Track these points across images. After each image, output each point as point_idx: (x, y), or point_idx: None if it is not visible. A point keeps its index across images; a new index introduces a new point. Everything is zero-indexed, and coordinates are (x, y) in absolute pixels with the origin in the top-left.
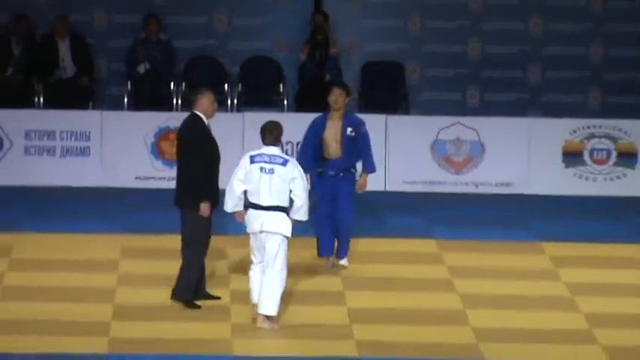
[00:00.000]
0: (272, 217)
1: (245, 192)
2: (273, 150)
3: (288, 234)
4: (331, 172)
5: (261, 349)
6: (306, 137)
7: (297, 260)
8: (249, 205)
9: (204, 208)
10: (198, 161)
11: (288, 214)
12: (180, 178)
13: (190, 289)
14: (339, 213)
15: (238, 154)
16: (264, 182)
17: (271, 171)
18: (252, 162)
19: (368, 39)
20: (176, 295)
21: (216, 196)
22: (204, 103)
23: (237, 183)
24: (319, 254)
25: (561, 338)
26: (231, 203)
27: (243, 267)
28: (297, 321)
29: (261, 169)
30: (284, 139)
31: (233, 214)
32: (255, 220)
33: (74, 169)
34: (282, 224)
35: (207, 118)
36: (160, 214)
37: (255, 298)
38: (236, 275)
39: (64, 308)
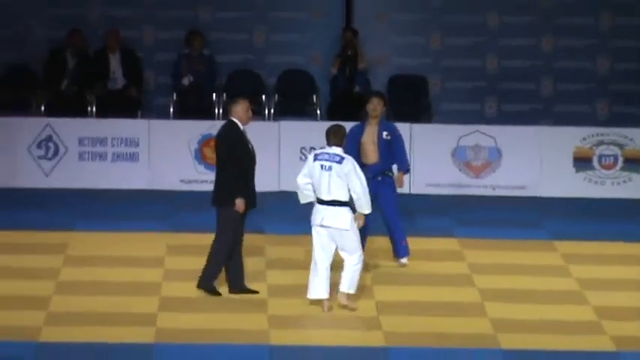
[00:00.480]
0: (332, 212)
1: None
2: (335, 150)
3: (347, 227)
4: (370, 175)
5: (296, 339)
6: (346, 145)
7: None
8: (316, 199)
9: (239, 203)
10: (233, 164)
11: (350, 208)
12: (217, 179)
13: (212, 279)
14: (389, 217)
15: (275, 159)
16: (324, 179)
17: (330, 168)
18: (315, 159)
19: (394, 54)
20: (200, 284)
21: (251, 196)
22: (239, 111)
23: (302, 177)
24: None
25: (572, 329)
26: (301, 196)
27: (279, 263)
28: (329, 312)
29: (322, 166)
30: (317, 145)
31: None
32: (318, 213)
33: (124, 173)
34: (340, 219)
35: (243, 124)
36: (203, 214)
37: (312, 293)
38: (273, 271)
39: (114, 301)
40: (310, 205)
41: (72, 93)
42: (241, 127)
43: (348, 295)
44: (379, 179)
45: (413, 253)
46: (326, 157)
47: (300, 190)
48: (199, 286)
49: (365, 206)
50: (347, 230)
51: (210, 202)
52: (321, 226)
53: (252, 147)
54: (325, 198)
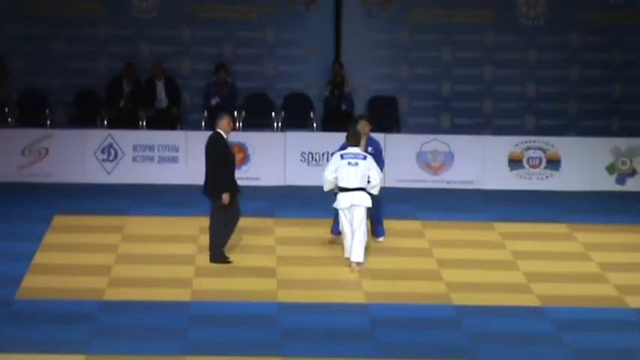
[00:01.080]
0: (359, 195)
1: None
2: (356, 149)
3: (369, 204)
4: None
5: (298, 297)
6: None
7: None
8: (340, 189)
9: (225, 197)
10: (219, 164)
11: (367, 192)
12: (207, 175)
13: (218, 251)
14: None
15: (281, 161)
16: (352, 172)
17: (356, 164)
18: (342, 158)
19: (373, 80)
20: (211, 259)
21: (234, 186)
22: (223, 124)
23: (329, 172)
24: (332, 232)
25: (507, 289)
26: (326, 186)
27: (286, 240)
28: (320, 278)
29: (349, 163)
30: (314, 150)
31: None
32: (346, 198)
33: (167, 172)
34: (365, 199)
35: (226, 134)
36: None
37: (346, 254)
38: (280, 246)
39: (160, 269)
40: (310, 196)
41: (128, 111)
42: (225, 136)
43: (358, 263)
44: None
45: (385, 232)
46: (351, 156)
47: (328, 181)
48: (211, 260)
49: (376, 190)
50: (366, 208)
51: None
52: (352, 205)
53: (233, 151)
54: (352, 186)
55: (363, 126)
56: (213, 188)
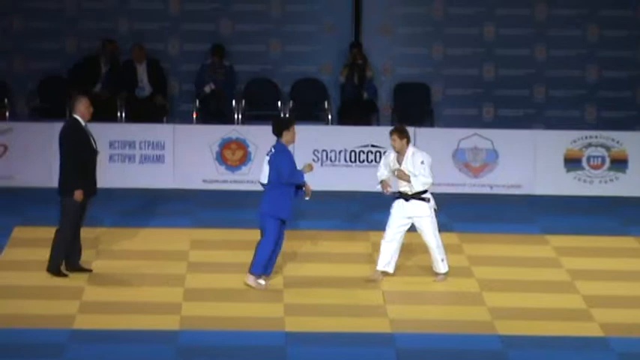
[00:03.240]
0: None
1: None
2: None
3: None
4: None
5: (311, 326)
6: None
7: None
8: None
9: (78, 194)
10: (74, 156)
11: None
12: (60, 171)
13: (59, 262)
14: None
15: None
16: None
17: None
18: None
19: (399, 64)
20: (48, 268)
21: (91, 186)
22: (81, 109)
23: (382, 170)
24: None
25: (563, 316)
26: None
27: (295, 258)
28: (337, 302)
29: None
30: (329, 147)
31: (381, 183)
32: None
33: (151, 173)
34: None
35: (85, 120)
36: (224, 212)
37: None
38: (289, 265)
39: (142, 291)
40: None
41: (105, 97)
42: (83, 123)
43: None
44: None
45: (417, 247)
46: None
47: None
48: (49, 270)
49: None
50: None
51: (235, 201)
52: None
53: (95, 141)
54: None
55: (392, 141)
56: (67, 186)
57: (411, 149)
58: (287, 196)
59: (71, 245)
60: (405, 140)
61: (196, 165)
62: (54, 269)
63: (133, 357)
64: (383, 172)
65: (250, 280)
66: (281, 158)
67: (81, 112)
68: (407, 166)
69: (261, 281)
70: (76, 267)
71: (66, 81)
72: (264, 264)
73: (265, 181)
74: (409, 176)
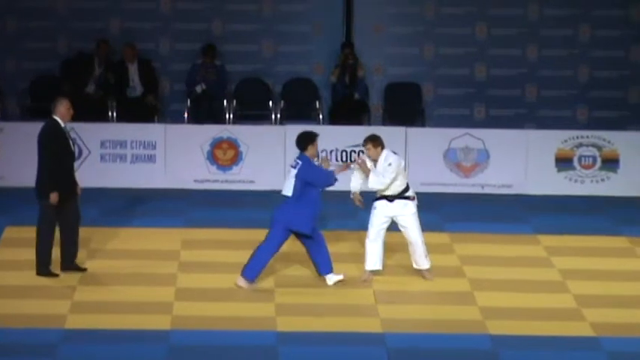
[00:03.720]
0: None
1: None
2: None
3: None
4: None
5: (302, 325)
6: None
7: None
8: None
9: (53, 196)
10: (51, 158)
11: None
12: (37, 173)
13: (46, 263)
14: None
15: (281, 160)
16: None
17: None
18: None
19: (390, 63)
20: (38, 271)
21: (69, 187)
22: (61, 110)
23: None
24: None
25: (554, 316)
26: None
27: (286, 257)
28: (329, 302)
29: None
30: (320, 146)
31: (353, 196)
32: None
33: (142, 173)
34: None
35: (64, 121)
36: (215, 211)
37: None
38: (279, 263)
39: (134, 291)
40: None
41: (97, 98)
42: (62, 124)
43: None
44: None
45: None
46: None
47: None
48: (38, 273)
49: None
50: None
51: (225, 201)
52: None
53: (73, 143)
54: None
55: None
56: (41, 187)
57: (384, 153)
58: (310, 210)
59: (65, 246)
60: (379, 148)
61: (187, 165)
62: (42, 271)
63: (125, 356)
64: (356, 183)
65: (241, 281)
66: (311, 169)
67: (61, 114)
68: (379, 168)
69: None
70: (71, 267)
71: (58, 80)
72: (259, 270)
73: (289, 194)
74: (369, 170)
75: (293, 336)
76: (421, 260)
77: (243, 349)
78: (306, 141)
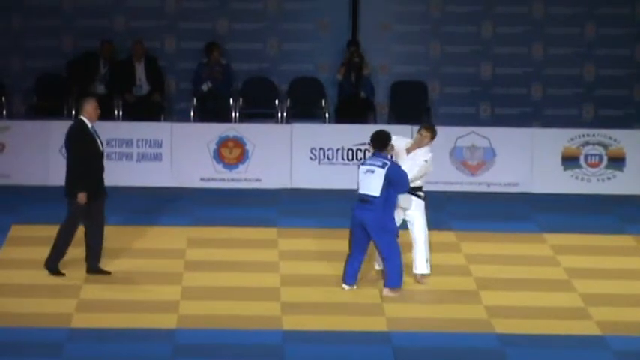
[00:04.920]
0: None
1: None
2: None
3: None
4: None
5: (308, 324)
6: None
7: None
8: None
9: (81, 196)
10: (79, 159)
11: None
12: (66, 173)
13: (57, 261)
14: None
15: (287, 159)
16: None
17: None
18: None
19: (396, 62)
20: (46, 265)
21: (98, 188)
22: (88, 110)
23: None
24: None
25: (560, 315)
26: None
27: (292, 256)
28: (335, 300)
29: None
30: (326, 145)
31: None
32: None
33: (148, 172)
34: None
35: (92, 122)
36: (221, 210)
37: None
38: (285, 262)
39: (140, 289)
40: (321, 202)
41: (103, 97)
42: (89, 124)
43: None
44: None
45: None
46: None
47: None
48: (46, 266)
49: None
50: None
51: (232, 200)
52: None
53: (101, 142)
54: None
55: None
56: (69, 187)
57: (428, 148)
58: (393, 209)
59: (90, 248)
60: (431, 141)
61: (194, 163)
62: (51, 267)
63: (131, 355)
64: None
65: (390, 292)
66: (399, 170)
67: (88, 113)
68: (415, 155)
69: (346, 286)
70: (96, 270)
71: (64, 78)
72: (399, 274)
73: (372, 193)
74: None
75: (299, 334)
76: (421, 264)
77: (249, 347)
78: (385, 140)
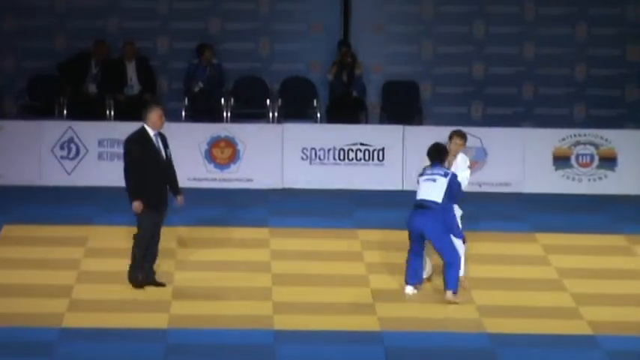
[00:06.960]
0: None
1: None
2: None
3: None
4: None
5: (299, 324)
6: None
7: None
8: None
9: (136, 205)
10: (137, 167)
11: None
12: (125, 180)
13: (134, 272)
14: None
15: (278, 159)
16: None
17: None
18: None
19: (388, 62)
20: (129, 278)
21: (155, 197)
22: (152, 118)
23: None
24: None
25: (551, 314)
26: None
27: (284, 256)
28: (326, 300)
29: None
30: (317, 145)
31: None
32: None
33: None
34: None
35: (155, 129)
36: (212, 210)
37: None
38: (277, 262)
39: (131, 289)
40: (312, 201)
41: (94, 96)
42: (152, 132)
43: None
44: None
45: (405, 245)
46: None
47: None
48: (129, 280)
49: None
50: None
51: (222, 200)
52: None
53: (165, 151)
54: None
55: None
56: (128, 194)
57: (462, 154)
58: (457, 216)
59: (147, 256)
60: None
61: (185, 163)
62: (130, 279)
63: (122, 355)
64: None
65: (452, 296)
66: (457, 182)
67: (152, 122)
68: (457, 166)
69: (409, 290)
70: (150, 282)
71: (56, 79)
72: (457, 277)
73: (433, 199)
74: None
75: (290, 334)
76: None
77: (240, 347)
78: (443, 152)
